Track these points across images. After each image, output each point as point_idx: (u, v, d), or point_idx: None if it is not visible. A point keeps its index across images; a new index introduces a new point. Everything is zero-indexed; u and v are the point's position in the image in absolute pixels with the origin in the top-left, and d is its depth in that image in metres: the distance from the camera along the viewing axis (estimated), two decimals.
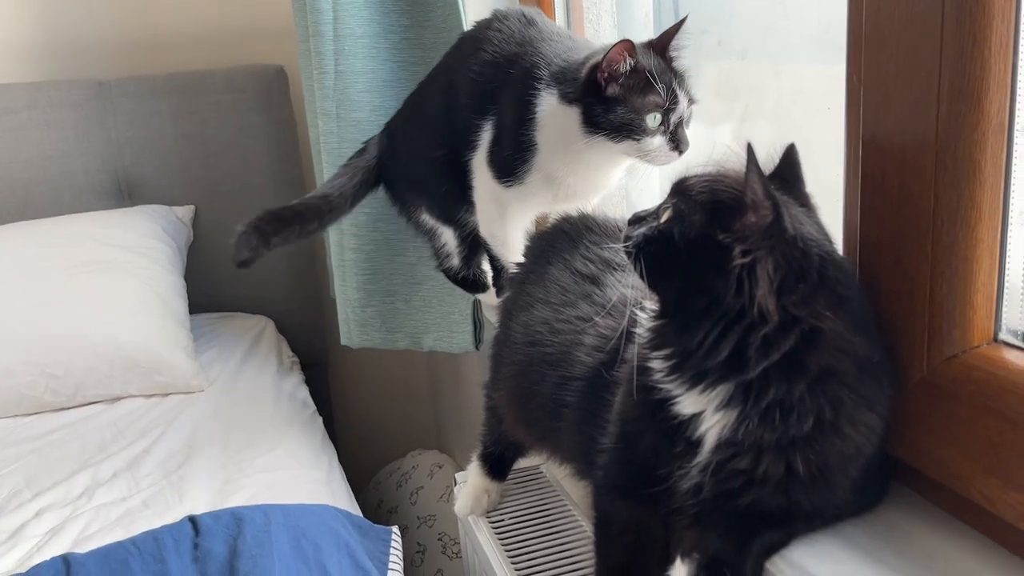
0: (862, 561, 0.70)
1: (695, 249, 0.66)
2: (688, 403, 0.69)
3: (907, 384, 0.72)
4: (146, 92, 2.15)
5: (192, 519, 1.06)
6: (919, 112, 0.67)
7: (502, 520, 1.21)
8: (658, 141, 1.07)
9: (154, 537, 1.00)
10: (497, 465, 1.24)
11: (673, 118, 1.06)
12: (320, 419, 1.72)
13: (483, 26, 1.29)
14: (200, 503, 1.36)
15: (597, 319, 0.90)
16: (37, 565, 1.05)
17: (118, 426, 1.66)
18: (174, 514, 1.33)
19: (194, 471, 1.46)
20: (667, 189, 0.74)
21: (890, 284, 0.73)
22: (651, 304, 0.76)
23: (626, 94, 1.06)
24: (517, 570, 1.10)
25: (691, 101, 1.09)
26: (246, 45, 2.29)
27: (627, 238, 0.73)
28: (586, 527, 1.19)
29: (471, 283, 1.48)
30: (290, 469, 1.46)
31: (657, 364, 0.72)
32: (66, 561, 1.02)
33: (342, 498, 1.41)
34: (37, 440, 1.63)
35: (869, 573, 0.68)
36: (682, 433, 0.70)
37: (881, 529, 0.73)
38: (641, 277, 0.71)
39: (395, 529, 1.15)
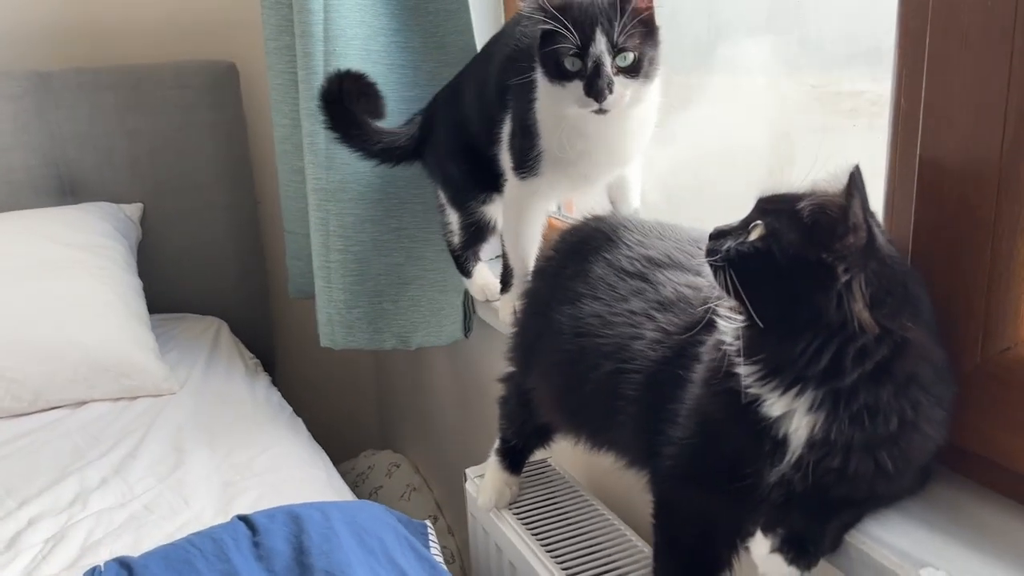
0: (925, 531, 0.78)
1: (796, 266, 0.72)
2: (778, 406, 0.75)
3: (959, 373, 0.82)
4: (90, 85, 2.07)
5: (244, 519, 1.06)
6: (985, 134, 0.76)
7: (524, 512, 1.26)
8: (574, 87, 1.04)
9: (211, 537, 1.00)
10: (516, 458, 1.29)
11: (589, 62, 1.03)
12: (301, 420, 1.72)
13: (511, 22, 1.33)
14: (208, 507, 1.34)
15: (657, 314, 0.96)
16: (92, 569, 1.02)
17: (89, 431, 1.61)
18: (183, 518, 1.32)
19: (190, 475, 1.43)
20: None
21: (943, 287, 0.82)
22: (733, 312, 0.81)
23: (548, 39, 1.05)
24: (553, 557, 1.16)
25: (615, 45, 1.03)
26: (195, 39, 2.24)
27: (712, 251, 0.78)
28: (605, 513, 1.26)
29: (461, 264, 1.54)
30: (290, 469, 1.46)
31: (746, 370, 0.77)
32: (125, 564, 0.99)
33: (348, 496, 1.42)
34: (2, 448, 1.56)
35: (933, 539, 0.77)
36: (769, 433, 0.76)
37: (935, 504, 0.82)
38: (726, 289, 0.76)
39: (428, 522, 1.18)
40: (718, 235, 0.80)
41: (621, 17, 1.02)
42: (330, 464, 1.53)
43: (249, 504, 1.34)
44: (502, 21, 1.74)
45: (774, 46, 1.41)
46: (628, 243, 1.09)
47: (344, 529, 1.00)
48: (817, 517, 0.78)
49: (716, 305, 0.87)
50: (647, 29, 1.06)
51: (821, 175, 0.77)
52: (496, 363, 1.73)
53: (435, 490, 2.21)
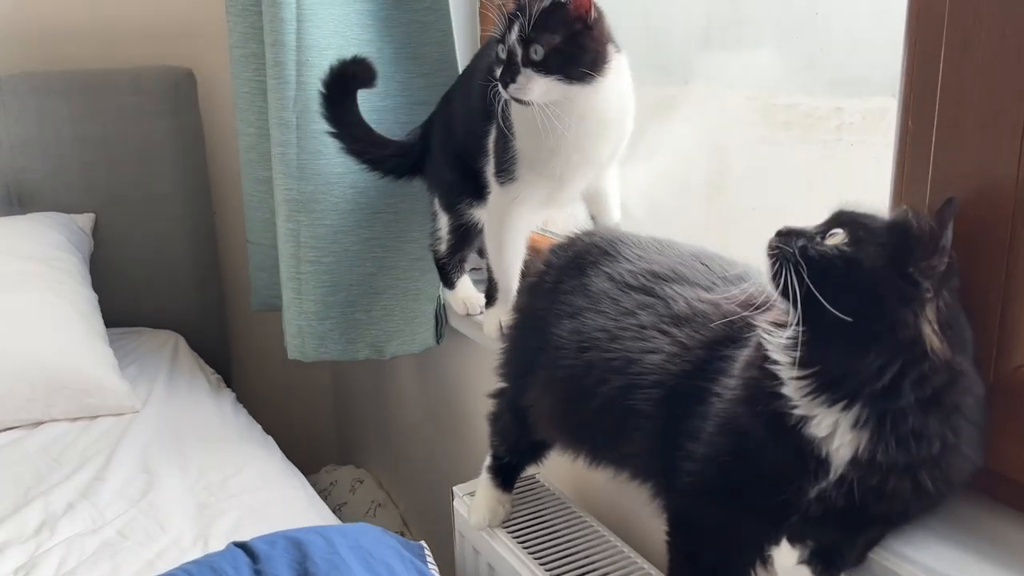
0: (945, 547, 0.80)
1: (881, 276, 0.73)
2: (824, 424, 0.75)
3: None
4: (41, 90, 1.99)
5: (241, 545, 1.01)
6: (1002, 158, 0.79)
7: (517, 530, 1.25)
8: (498, 74, 1.11)
9: (210, 566, 0.95)
10: (508, 475, 1.27)
11: (503, 52, 1.10)
12: (272, 438, 1.67)
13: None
14: (186, 531, 1.29)
15: (671, 329, 0.96)
16: None
17: (49, 453, 1.53)
18: (161, 544, 1.26)
19: (162, 498, 1.38)
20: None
21: None
22: (771, 326, 0.82)
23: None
24: (549, 572, 1.15)
25: (525, 37, 1.07)
26: (150, 44, 2.17)
27: (779, 247, 0.77)
28: (597, 527, 1.25)
29: (446, 274, 1.53)
30: (268, 490, 1.42)
31: (795, 384, 0.76)
32: None
33: (330, 517, 1.38)
34: None
35: (954, 554, 0.79)
36: (812, 451, 0.76)
37: (953, 520, 0.83)
38: (787, 286, 0.75)
39: (424, 543, 1.16)
40: (788, 233, 0.79)
41: (539, 14, 1.07)
42: (307, 483, 1.49)
43: (229, 527, 1.30)
44: (478, 33, 1.73)
45: (715, 58, 1.45)
46: (628, 257, 1.09)
47: (350, 555, 0.97)
48: (848, 532, 0.79)
49: (750, 319, 0.87)
50: (577, 31, 1.09)
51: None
52: (469, 374, 1.73)
53: (400, 506, 2.18)
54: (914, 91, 0.87)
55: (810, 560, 0.79)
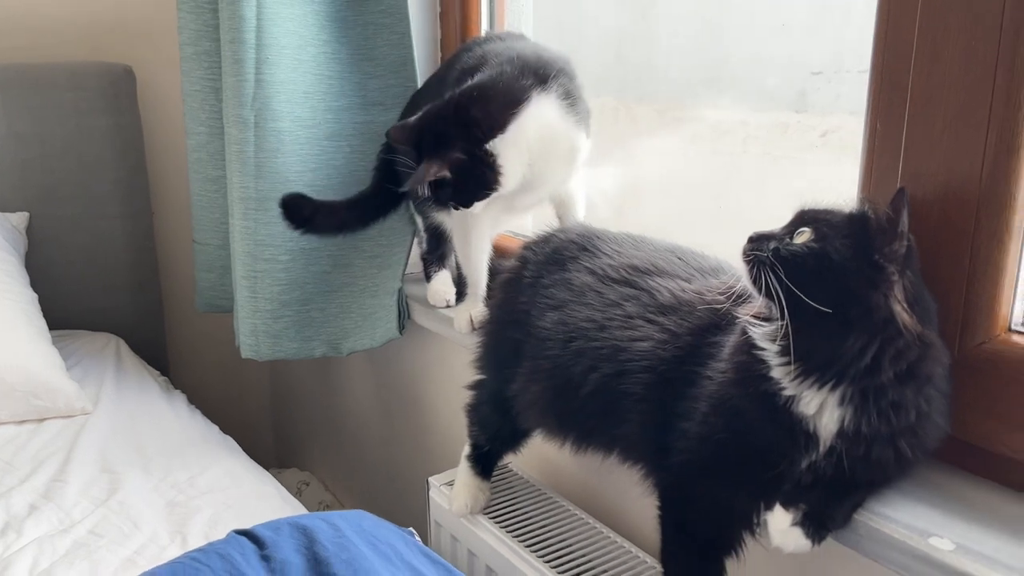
0: (921, 506, 0.88)
1: (850, 266, 0.80)
2: (813, 403, 0.83)
3: None
4: None
5: (245, 532, 1.01)
6: (967, 157, 0.88)
7: (497, 516, 1.29)
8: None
9: (217, 553, 0.95)
10: (487, 463, 1.31)
11: (421, 191, 1.20)
12: (231, 438, 1.66)
13: (459, 51, 1.38)
14: (161, 529, 1.28)
15: (658, 317, 1.02)
16: None
17: (1, 456, 1.49)
18: (137, 541, 1.25)
19: (131, 497, 1.36)
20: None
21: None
22: (752, 316, 0.88)
23: None
24: (538, 556, 1.19)
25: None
26: (88, 40, 2.12)
27: (753, 251, 0.85)
28: (570, 508, 1.30)
29: (425, 268, 1.59)
30: (238, 487, 1.41)
31: (782, 370, 0.84)
32: None
33: (303, 511, 1.39)
34: None
35: (929, 512, 0.87)
36: (801, 426, 0.84)
37: (926, 485, 0.92)
38: (766, 287, 0.82)
39: (412, 529, 1.18)
40: (758, 238, 0.86)
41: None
42: (276, 481, 1.49)
43: (206, 523, 1.29)
44: (438, 37, 1.76)
45: (627, 73, 1.53)
46: (607, 252, 1.15)
47: (357, 538, 0.99)
48: (836, 497, 0.86)
49: (731, 309, 0.94)
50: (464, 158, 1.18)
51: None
52: (430, 367, 1.75)
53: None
54: (883, 96, 0.96)
55: (803, 523, 0.86)
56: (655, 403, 0.99)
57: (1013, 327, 0.91)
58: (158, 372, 1.93)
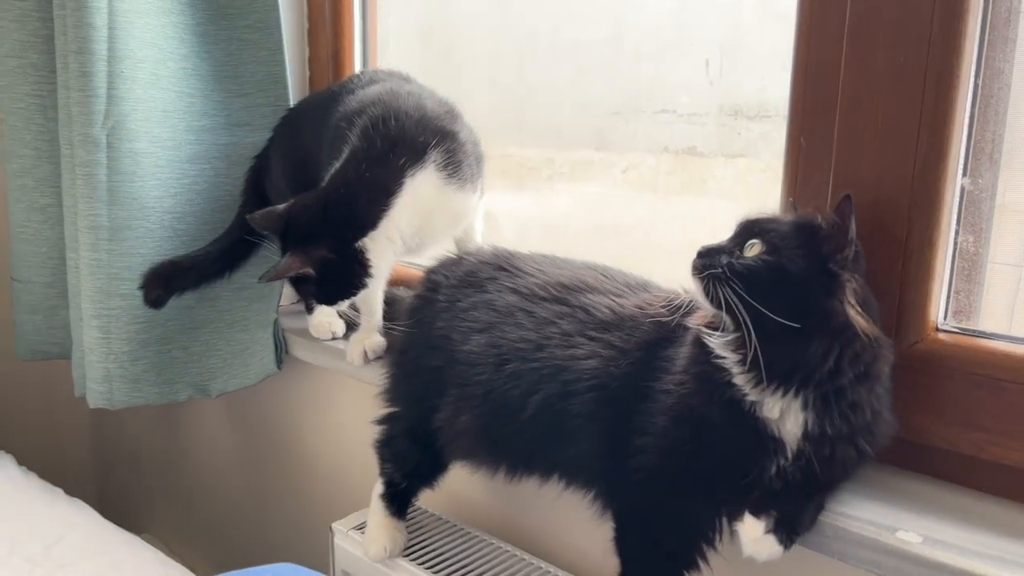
0: (875, 503, 0.91)
1: (805, 276, 0.82)
2: (776, 408, 0.84)
3: None
4: None
5: None
6: (898, 164, 0.92)
7: (419, 556, 1.20)
8: None
9: None
10: (402, 502, 1.23)
11: None
12: (79, 499, 1.45)
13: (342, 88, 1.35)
14: None
15: (599, 334, 0.99)
16: None
17: None
18: None
19: None
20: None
21: None
22: (706, 326, 0.88)
23: None
24: None
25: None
26: None
27: (705, 267, 0.85)
28: (495, 542, 1.24)
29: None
30: (109, 554, 1.25)
31: (743, 378, 0.84)
32: None
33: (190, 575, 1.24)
34: None
35: (884, 508, 0.90)
36: (767, 431, 0.84)
37: (875, 484, 0.95)
38: (722, 301, 0.83)
39: None
40: (708, 252, 0.86)
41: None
42: (145, 543, 1.32)
43: None
44: (306, 55, 1.67)
45: None
46: (529, 272, 1.12)
47: None
48: (804, 500, 0.87)
49: (679, 321, 0.93)
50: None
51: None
52: (313, 405, 1.62)
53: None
54: (806, 112, 1.00)
55: (776, 529, 0.86)
56: (607, 422, 0.96)
57: (940, 327, 0.97)
58: None
